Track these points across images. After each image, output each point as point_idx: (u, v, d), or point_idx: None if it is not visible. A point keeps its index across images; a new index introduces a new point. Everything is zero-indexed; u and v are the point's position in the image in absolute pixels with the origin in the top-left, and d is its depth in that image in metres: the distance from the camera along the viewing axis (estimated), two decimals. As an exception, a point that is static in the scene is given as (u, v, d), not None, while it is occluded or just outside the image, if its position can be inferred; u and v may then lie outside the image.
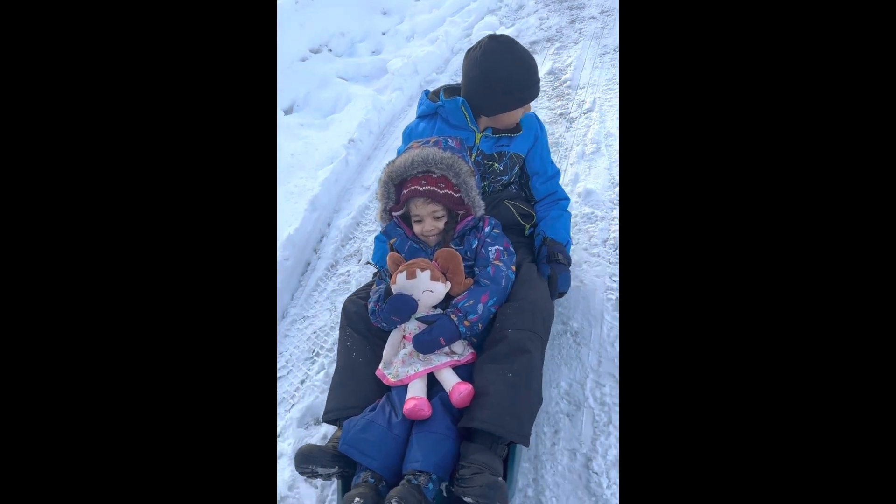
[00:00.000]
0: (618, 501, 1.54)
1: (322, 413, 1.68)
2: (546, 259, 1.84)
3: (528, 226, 2.02)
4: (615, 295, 2.13)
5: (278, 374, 2.19)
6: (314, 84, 3.96)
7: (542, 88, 3.62)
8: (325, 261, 2.68)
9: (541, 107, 3.44)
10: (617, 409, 1.77)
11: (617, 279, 2.19)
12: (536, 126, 2.06)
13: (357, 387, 1.62)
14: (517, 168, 2.02)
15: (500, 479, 1.31)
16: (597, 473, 1.61)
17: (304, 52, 4.30)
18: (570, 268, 1.94)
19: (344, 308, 1.78)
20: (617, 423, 1.72)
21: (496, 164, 1.98)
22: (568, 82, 3.64)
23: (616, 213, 2.48)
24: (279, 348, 2.30)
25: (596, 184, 2.68)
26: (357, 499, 1.32)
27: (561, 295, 1.90)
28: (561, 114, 3.34)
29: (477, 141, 1.99)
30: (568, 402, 1.82)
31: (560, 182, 2.12)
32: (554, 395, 1.84)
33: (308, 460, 1.44)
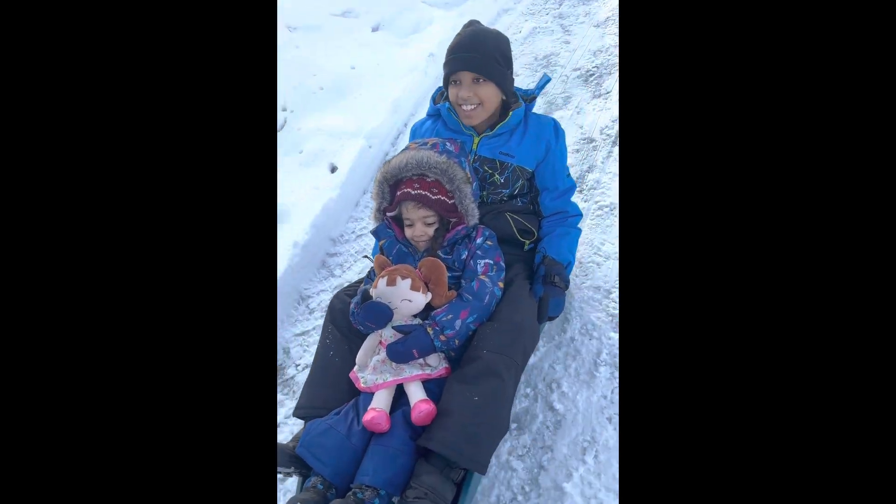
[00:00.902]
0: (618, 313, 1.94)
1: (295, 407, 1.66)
2: (542, 280, 1.72)
3: (527, 242, 1.87)
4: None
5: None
6: (400, 6, 4.34)
7: (603, 31, 3.89)
8: (399, 153, 3.11)
9: (594, 46, 3.73)
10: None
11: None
12: (550, 135, 1.84)
13: (329, 388, 1.61)
14: (521, 182, 1.85)
15: None
16: (615, 302, 2.00)
17: (392, -22, 4.65)
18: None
19: (330, 304, 1.73)
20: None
21: (497, 175, 1.82)
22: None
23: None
24: (358, 214, 2.75)
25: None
26: (299, 503, 1.34)
27: (551, 319, 1.77)
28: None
29: (475, 146, 1.84)
30: (599, 256, 2.21)
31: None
32: (589, 252, 2.24)
33: None
